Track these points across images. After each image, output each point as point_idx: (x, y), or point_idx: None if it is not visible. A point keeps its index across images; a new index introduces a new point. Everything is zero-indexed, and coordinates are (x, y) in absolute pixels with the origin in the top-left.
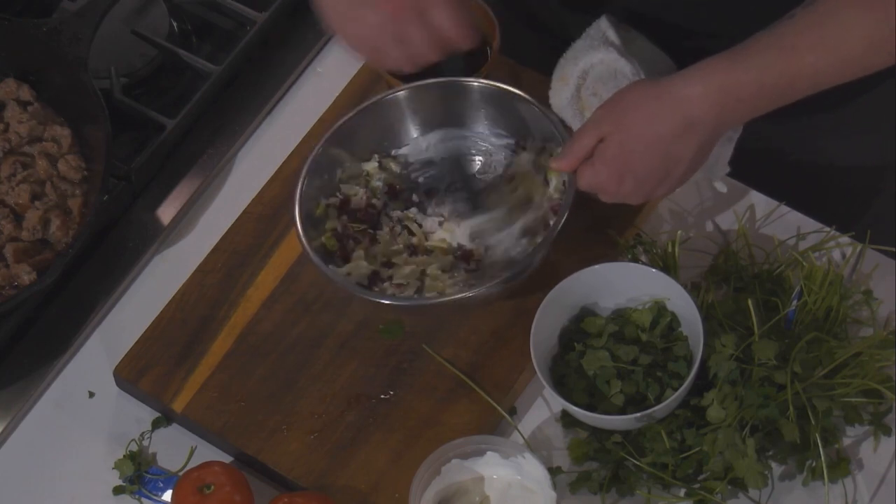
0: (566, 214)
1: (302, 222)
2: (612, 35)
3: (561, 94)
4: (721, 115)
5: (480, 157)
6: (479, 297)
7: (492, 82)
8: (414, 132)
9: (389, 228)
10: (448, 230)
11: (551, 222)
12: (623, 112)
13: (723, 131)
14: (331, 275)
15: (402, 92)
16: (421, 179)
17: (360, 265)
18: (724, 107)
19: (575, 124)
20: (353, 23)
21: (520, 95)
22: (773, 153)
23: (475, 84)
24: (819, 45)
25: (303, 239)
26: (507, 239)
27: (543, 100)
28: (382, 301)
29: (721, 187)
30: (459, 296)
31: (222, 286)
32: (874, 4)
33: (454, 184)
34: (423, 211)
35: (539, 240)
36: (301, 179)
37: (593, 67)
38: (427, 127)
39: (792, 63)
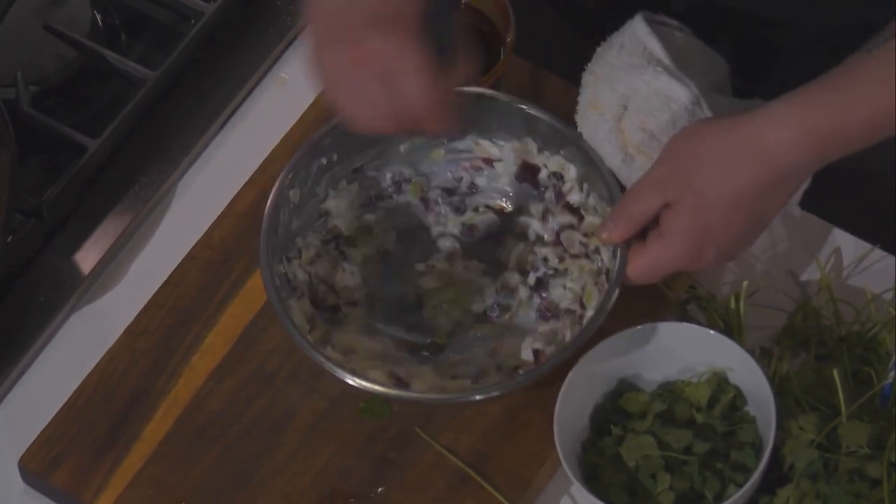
0: (615, 295)
1: (268, 262)
2: (655, 47)
3: (596, 127)
4: (819, 160)
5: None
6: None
7: (507, 96)
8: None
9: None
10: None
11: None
12: (691, 167)
13: (814, 171)
14: (301, 343)
15: None
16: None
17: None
18: (824, 151)
19: (614, 163)
20: (325, 55)
21: (539, 117)
22: (864, 180)
23: (483, 94)
24: None
25: (269, 286)
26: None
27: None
28: (364, 385)
29: (796, 211)
30: (456, 396)
31: (159, 352)
32: None
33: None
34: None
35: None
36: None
37: (636, 92)
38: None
39: None
